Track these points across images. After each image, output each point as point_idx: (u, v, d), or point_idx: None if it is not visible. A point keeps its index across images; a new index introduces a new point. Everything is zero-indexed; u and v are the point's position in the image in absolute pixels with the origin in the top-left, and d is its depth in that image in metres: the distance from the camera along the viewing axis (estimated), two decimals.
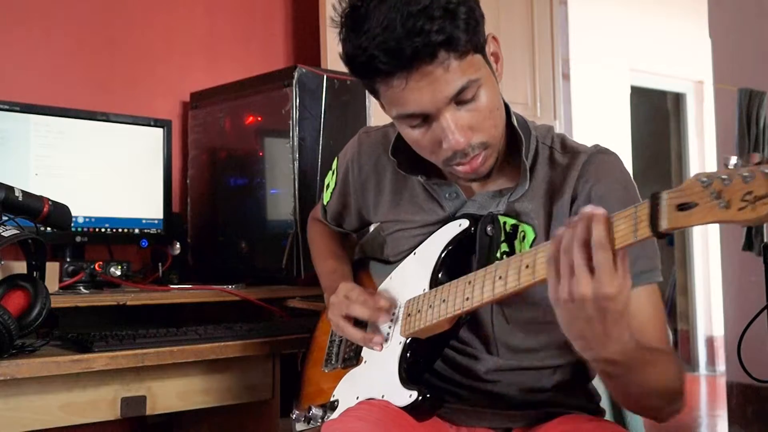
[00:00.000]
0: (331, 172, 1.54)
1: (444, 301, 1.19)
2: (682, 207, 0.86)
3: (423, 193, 1.35)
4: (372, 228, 1.70)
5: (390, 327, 1.30)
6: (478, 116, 1.17)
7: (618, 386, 1.10)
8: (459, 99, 1.14)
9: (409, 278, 1.31)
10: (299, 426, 1.38)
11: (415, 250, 1.33)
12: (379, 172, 1.41)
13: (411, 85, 1.12)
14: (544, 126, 1.33)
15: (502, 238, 1.25)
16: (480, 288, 1.12)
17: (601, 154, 1.26)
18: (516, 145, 1.26)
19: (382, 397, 1.23)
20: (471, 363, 1.29)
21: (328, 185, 1.55)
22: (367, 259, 1.53)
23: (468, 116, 1.16)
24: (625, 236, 0.93)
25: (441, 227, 1.29)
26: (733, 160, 0.82)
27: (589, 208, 0.96)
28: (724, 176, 0.82)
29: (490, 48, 1.20)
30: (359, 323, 1.32)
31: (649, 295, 1.19)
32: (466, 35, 1.11)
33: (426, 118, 1.17)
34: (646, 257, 1.22)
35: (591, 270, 0.94)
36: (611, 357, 1.00)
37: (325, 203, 1.57)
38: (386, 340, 1.28)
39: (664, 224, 0.88)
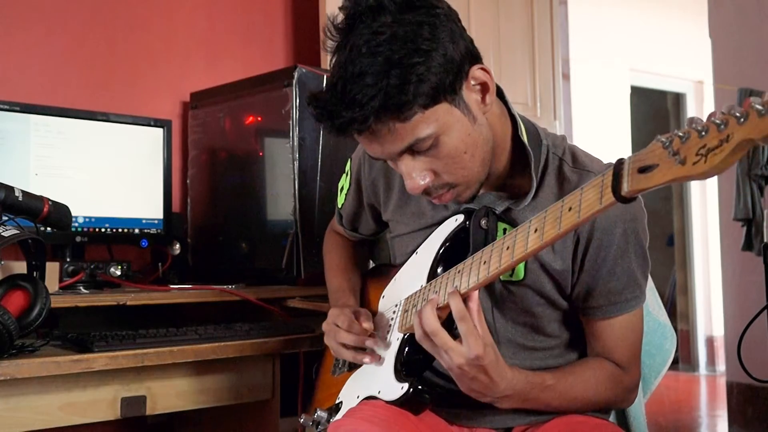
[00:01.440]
0: (344, 174, 1.53)
1: (436, 292, 1.19)
2: (644, 169, 0.86)
3: None
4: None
5: (390, 326, 1.31)
6: (439, 162, 1.14)
7: (528, 406, 1.21)
8: (414, 149, 1.12)
9: (410, 277, 1.32)
10: (309, 431, 1.39)
11: (417, 250, 1.34)
12: (389, 168, 1.40)
13: (360, 139, 1.14)
14: (557, 135, 1.31)
15: None
16: (467, 275, 1.13)
17: None
18: (526, 157, 1.23)
19: (378, 392, 1.24)
20: None
21: (342, 188, 1.54)
22: (379, 266, 1.55)
23: (428, 161, 1.14)
24: (591, 204, 0.93)
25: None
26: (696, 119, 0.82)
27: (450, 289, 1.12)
28: (681, 134, 0.82)
29: (470, 83, 1.14)
30: None
31: (627, 320, 1.25)
32: (413, 96, 1.05)
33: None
34: (635, 284, 1.24)
35: (459, 340, 1.09)
36: (504, 395, 1.15)
37: (339, 206, 1.56)
38: (387, 340, 1.29)
39: (625, 187, 0.88)
